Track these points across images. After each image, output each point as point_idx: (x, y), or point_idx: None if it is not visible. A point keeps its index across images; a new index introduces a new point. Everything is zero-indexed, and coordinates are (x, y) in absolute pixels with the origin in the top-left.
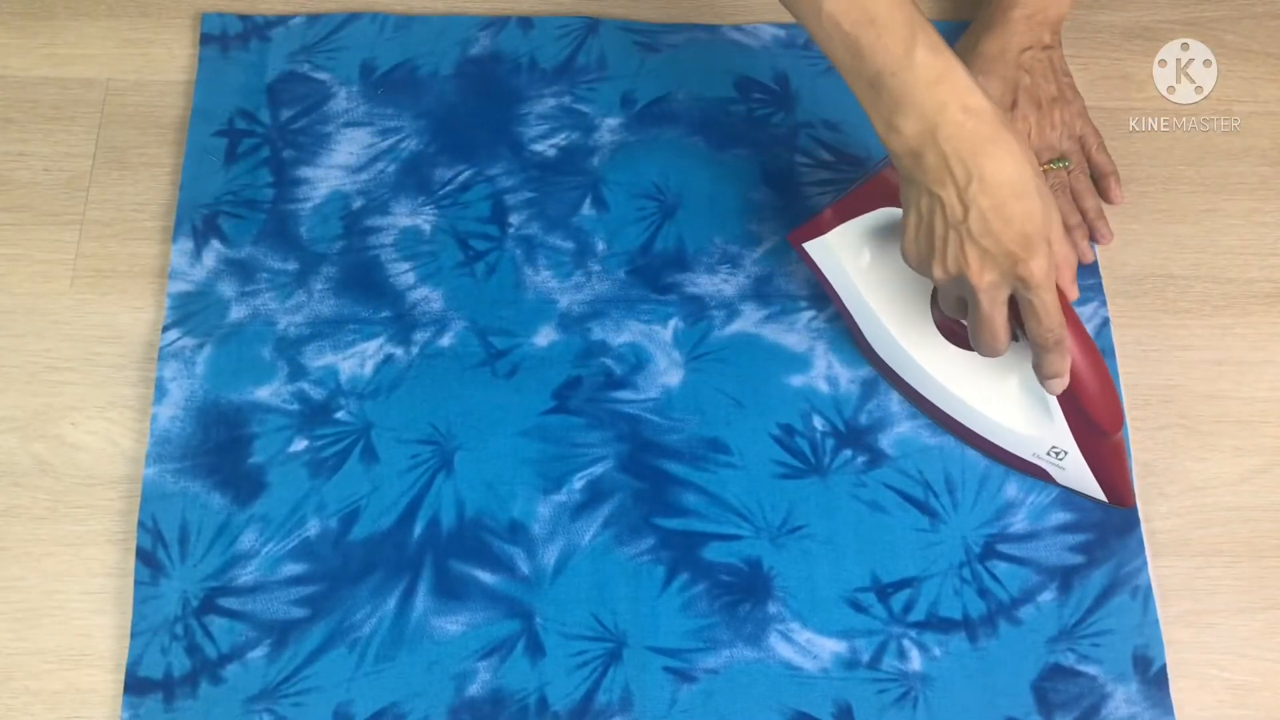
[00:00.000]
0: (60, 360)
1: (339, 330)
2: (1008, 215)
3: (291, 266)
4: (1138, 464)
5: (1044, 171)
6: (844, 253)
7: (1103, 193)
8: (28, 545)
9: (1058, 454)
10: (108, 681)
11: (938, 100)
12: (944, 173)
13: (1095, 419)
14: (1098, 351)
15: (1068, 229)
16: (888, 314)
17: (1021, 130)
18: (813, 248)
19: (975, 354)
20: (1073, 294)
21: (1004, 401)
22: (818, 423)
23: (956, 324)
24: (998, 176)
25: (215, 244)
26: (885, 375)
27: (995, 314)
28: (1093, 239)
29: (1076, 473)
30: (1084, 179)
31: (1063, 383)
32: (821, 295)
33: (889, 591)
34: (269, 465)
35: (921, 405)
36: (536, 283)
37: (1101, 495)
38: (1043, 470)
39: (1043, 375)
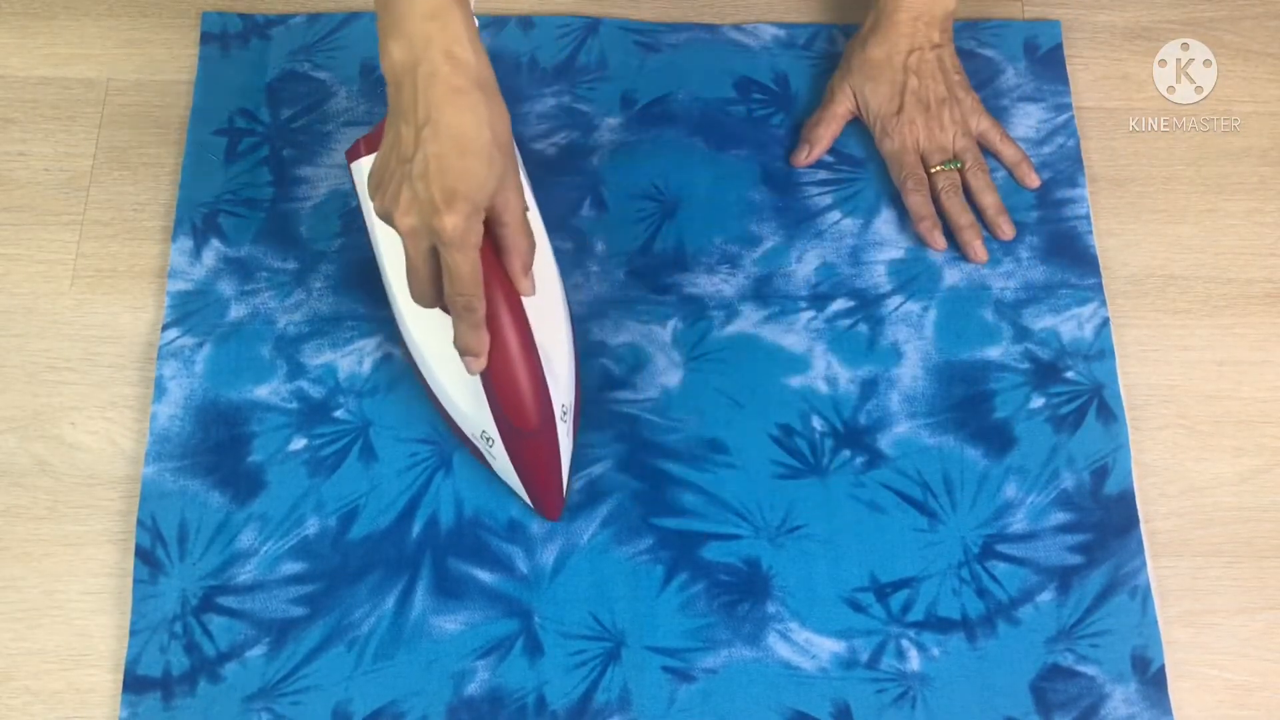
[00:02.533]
0: (60, 360)
1: (337, 328)
2: (445, 166)
3: (291, 265)
4: (1138, 464)
5: (936, 173)
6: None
7: (1020, 180)
8: (28, 545)
9: (488, 440)
10: (107, 681)
11: (427, 35)
12: (411, 109)
13: (504, 410)
14: (531, 347)
15: (957, 229)
16: (388, 250)
17: (906, 135)
18: (356, 169)
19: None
20: (524, 287)
21: (453, 371)
22: (816, 423)
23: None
24: (452, 129)
25: (215, 243)
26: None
27: (418, 262)
28: (994, 237)
29: (504, 464)
30: (983, 176)
31: (477, 363)
32: (820, 295)
33: (888, 591)
34: (268, 464)
35: (408, 358)
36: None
37: (526, 496)
38: (482, 455)
39: (458, 348)
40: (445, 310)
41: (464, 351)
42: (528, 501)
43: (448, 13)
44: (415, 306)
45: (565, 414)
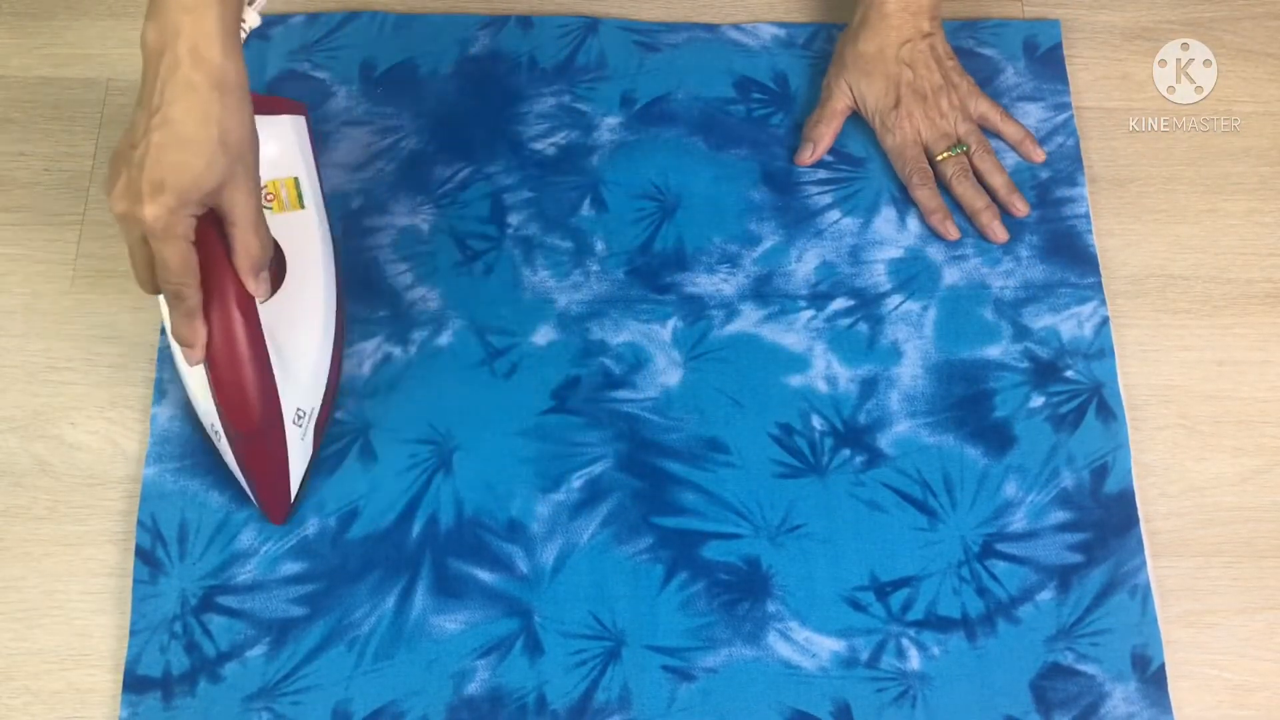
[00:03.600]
0: (60, 360)
1: None
2: (163, 159)
3: None
4: (1137, 464)
5: (942, 161)
6: None
7: (1025, 156)
8: (28, 545)
9: (217, 434)
10: (107, 681)
11: (177, 26)
12: (149, 97)
13: (222, 407)
14: (258, 347)
15: (974, 213)
16: None
17: (906, 128)
18: None
19: None
20: (253, 289)
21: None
22: (816, 422)
23: None
24: (176, 123)
25: None
26: None
27: (133, 248)
28: (1010, 214)
29: (232, 460)
30: (989, 157)
31: (193, 354)
32: (820, 294)
33: (888, 590)
34: None
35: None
36: (534, 282)
37: (251, 495)
38: (220, 450)
39: (173, 337)
40: None
41: (179, 341)
42: (254, 500)
43: (204, 9)
44: None
45: (301, 419)
